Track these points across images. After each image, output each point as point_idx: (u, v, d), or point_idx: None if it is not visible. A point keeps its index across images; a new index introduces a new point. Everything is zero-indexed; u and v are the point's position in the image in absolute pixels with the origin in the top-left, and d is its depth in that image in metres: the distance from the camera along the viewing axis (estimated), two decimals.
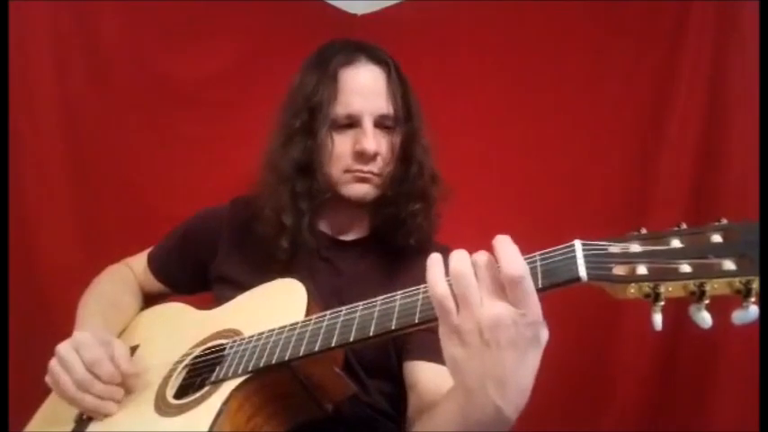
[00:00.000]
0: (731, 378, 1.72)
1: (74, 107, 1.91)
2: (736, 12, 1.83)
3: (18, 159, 1.79)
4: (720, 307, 0.70)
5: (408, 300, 0.90)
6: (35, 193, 1.85)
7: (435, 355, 1.13)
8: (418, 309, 0.87)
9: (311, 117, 1.29)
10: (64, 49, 1.89)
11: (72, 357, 1.09)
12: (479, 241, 0.86)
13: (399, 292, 0.92)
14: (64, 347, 1.11)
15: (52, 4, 1.87)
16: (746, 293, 0.66)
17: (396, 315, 0.89)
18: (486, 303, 0.75)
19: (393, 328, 0.88)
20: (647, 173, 1.95)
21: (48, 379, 1.13)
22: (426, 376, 1.17)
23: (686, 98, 1.90)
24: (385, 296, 0.94)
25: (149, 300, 1.50)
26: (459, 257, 0.77)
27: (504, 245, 0.76)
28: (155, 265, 1.52)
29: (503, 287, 0.75)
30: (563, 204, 2.04)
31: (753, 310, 0.66)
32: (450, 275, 0.77)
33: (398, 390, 1.26)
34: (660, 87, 1.95)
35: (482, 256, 0.77)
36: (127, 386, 1.13)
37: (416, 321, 0.86)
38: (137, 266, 1.55)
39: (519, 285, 0.73)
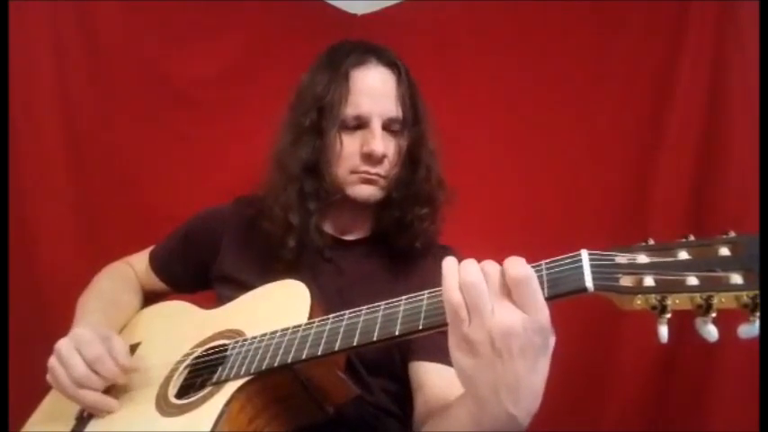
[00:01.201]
0: (730, 382, 1.73)
1: (74, 107, 1.91)
2: (736, 12, 1.83)
3: (18, 159, 1.79)
4: (720, 314, 0.70)
5: (412, 305, 0.89)
6: (35, 193, 1.85)
7: (442, 355, 1.13)
8: (422, 315, 0.87)
9: (320, 116, 1.29)
10: (64, 49, 1.89)
11: (72, 354, 1.09)
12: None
13: (404, 297, 0.92)
14: (63, 344, 1.11)
15: (52, 4, 1.86)
16: (753, 308, 0.66)
17: (400, 320, 0.89)
18: (497, 313, 0.74)
19: (397, 333, 0.88)
20: (647, 173, 1.95)
21: (48, 377, 1.12)
22: (433, 378, 1.17)
23: (686, 98, 1.90)
24: (389, 301, 0.94)
25: (150, 298, 1.50)
26: (470, 267, 0.77)
27: (513, 257, 0.76)
28: (156, 264, 1.51)
29: (510, 294, 0.75)
30: (562, 204, 2.05)
31: (759, 324, 0.67)
32: (461, 285, 0.76)
33: (403, 388, 1.26)
34: (660, 87, 1.94)
35: (491, 266, 0.78)
36: (128, 383, 1.13)
37: (420, 328, 0.86)
38: (138, 265, 1.54)
39: (525, 286, 0.73)
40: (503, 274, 0.76)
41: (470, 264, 0.78)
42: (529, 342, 0.74)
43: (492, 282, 0.76)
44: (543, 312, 0.74)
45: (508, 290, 0.75)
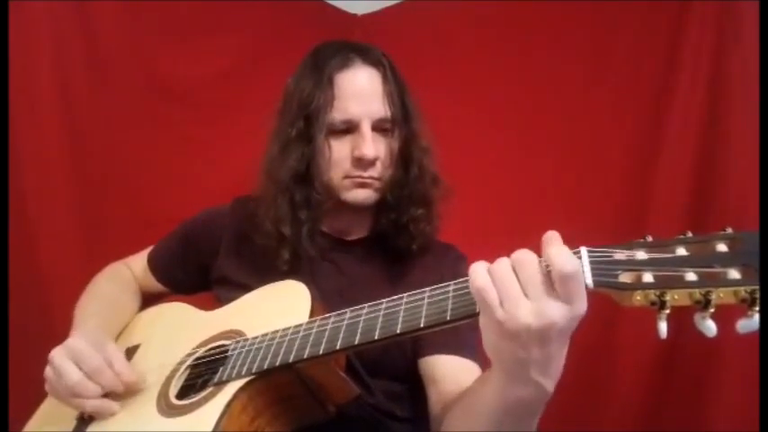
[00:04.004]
0: (731, 380, 1.73)
1: (74, 107, 1.90)
2: (736, 11, 1.83)
3: (18, 159, 1.78)
4: (720, 311, 0.70)
5: (413, 304, 0.90)
6: (35, 193, 1.84)
7: (451, 346, 1.13)
8: (424, 313, 0.87)
9: (307, 124, 1.26)
10: (64, 49, 1.88)
11: (64, 363, 1.09)
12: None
13: (405, 295, 0.92)
14: (57, 355, 1.11)
15: (52, 4, 1.86)
16: (751, 303, 0.67)
17: (401, 319, 0.89)
18: (541, 306, 0.74)
19: (398, 332, 0.88)
20: (647, 172, 1.95)
21: (47, 386, 1.13)
22: (445, 370, 1.17)
23: (686, 99, 1.90)
24: (390, 299, 0.94)
25: (148, 300, 1.50)
26: (498, 261, 0.78)
27: (555, 242, 0.76)
28: (155, 266, 1.51)
29: (551, 285, 0.74)
30: (562, 202, 2.05)
31: (757, 319, 0.67)
32: (492, 275, 0.77)
33: (404, 389, 1.26)
34: (660, 87, 1.94)
35: (525, 254, 0.77)
36: (127, 387, 1.12)
37: (422, 326, 0.86)
38: (136, 266, 1.54)
39: (572, 281, 0.73)
40: (538, 262, 0.76)
41: (499, 260, 0.78)
42: (568, 328, 0.76)
43: (530, 270, 0.75)
44: (584, 302, 0.74)
45: (548, 279, 0.74)
